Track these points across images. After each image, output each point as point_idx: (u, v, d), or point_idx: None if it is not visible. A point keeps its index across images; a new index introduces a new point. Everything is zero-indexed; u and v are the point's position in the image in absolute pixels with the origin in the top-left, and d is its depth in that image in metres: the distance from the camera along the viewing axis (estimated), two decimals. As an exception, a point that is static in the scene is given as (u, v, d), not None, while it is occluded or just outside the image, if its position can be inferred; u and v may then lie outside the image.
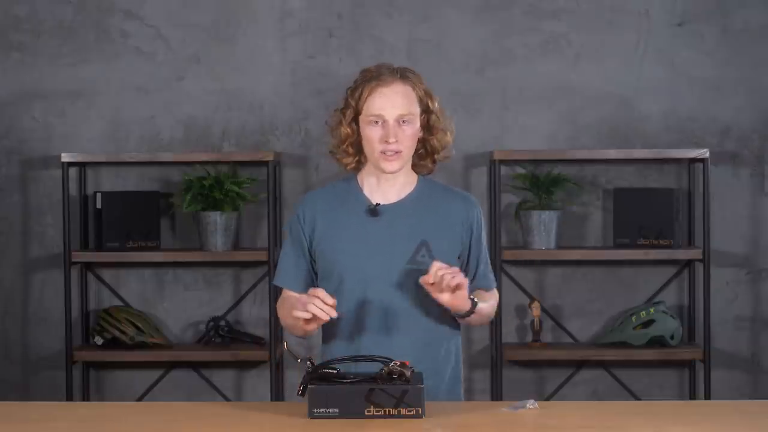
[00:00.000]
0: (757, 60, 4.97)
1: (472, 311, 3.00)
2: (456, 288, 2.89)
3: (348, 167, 3.13)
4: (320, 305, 2.85)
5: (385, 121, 3.01)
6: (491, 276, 3.18)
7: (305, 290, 3.13)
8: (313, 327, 2.94)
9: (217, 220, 4.82)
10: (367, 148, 3.05)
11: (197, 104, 5.01)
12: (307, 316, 2.86)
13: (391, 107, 3.01)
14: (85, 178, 5.00)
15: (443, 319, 3.07)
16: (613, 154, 4.85)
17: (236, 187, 4.85)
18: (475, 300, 3.01)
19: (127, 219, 4.84)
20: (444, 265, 2.89)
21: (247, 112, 5.01)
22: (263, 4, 5.00)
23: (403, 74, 3.05)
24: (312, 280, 3.14)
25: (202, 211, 4.84)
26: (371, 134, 3.02)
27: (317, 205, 3.12)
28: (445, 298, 2.91)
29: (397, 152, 3.02)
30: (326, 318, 2.86)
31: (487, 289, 3.16)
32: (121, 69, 5.00)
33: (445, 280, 2.87)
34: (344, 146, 3.09)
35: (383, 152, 3.02)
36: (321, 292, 2.86)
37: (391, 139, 3.00)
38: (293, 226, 3.13)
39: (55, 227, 4.98)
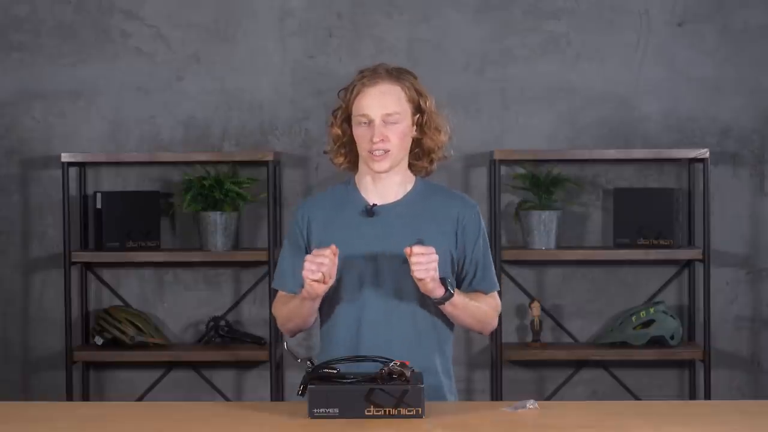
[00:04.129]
0: (757, 60, 4.97)
1: (444, 299, 2.98)
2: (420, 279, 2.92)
3: (340, 167, 3.15)
4: (329, 263, 2.89)
5: (371, 121, 3.02)
6: (491, 279, 3.16)
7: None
8: (312, 303, 3.00)
9: (217, 220, 4.82)
10: (359, 149, 3.07)
11: (197, 104, 5.01)
12: (318, 276, 2.89)
13: (377, 106, 3.02)
14: (85, 178, 5.00)
15: (436, 317, 3.08)
16: (613, 154, 4.85)
17: (236, 187, 4.86)
18: (451, 290, 2.98)
19: (127, 219, 4.84)
20: (423, 252, 2.90)
21: (247, 112, 5.01)
22: (263, 4, 5.00)
23: (392, 74, 3.06)
24: None
25: (202, 211, 4.84)
26: (359, 134, 3.04)
27: (316, 209, 3.13)
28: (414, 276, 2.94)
29: (385, 151, 3.02)
30: (329, 280, 2.91)
31: (486, 291, 3.15)
32: (121, 69, 5.00)
33: (414, 267, 2.90)
34: (336, 146, 3.12)
35: (371, 152, 3.02)
36: (325, 250, 2.90)
37: (376, 139, 3.01)
38: (292, 230, 3.15)
39: (55, 227, 4.98)
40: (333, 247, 2.91)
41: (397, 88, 3.04)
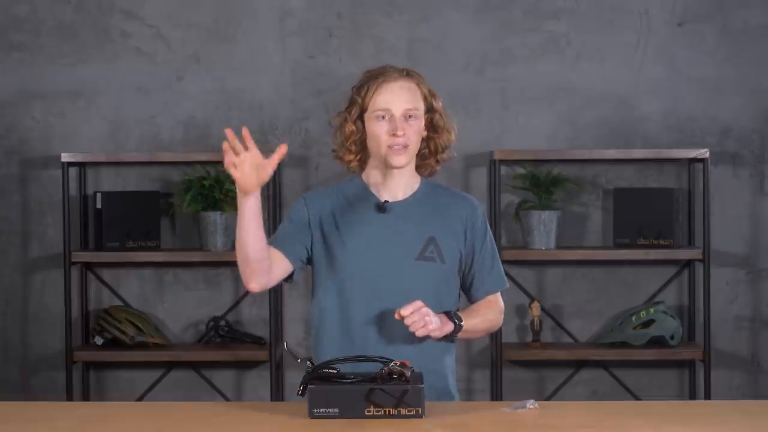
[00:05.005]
0: (757, 60, 4.97)
1: (456, 332, 3.04)
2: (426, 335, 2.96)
3: (350, 165, 3.13)
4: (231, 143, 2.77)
5: (392, 116, 3.03)
6: (500, 275, 3.19)
7: (294, 258, 3.07)
8: (245, 209, 2.85)
9: (217, 220, 4.82)
10: (373, 145, 3.06)
11: (197, 104, 5.01)
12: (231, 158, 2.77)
13: (398, 101, 3.03)
14: (85, 178, 5.00)
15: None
16: (613, 154, 4.85)
17: (236, 187, 4.84)
18: (460, 323, 3.03)
19: (127, 219, 4.84)
20: (412, 310, 2.91)
21: (247, 112, 5.01)
22: (263, 4, 5.00)
23: (408, 72, 3.09)
24: (304, 255, 3.08)
25: (202, 211, 4.84)
26: (378, 129, 3.04)
27: (324, 203, 3.12)
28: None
29: (404, 146, 3.04)
30: (239, 149, 2.77)
31: (495, 289, 3.18)
32: (121, 69, 5.00)
33: (411, 328, 2.92)
34: (348, 144, 3.10)
35: (390, 146, 3.03)
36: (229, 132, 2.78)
37: (399, 132, 3.02)
38: (297, 209, 3.11)
39: (55, 227, 4.98)
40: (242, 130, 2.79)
41: (414, 85, 3.07)
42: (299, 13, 4.99)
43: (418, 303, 2.93)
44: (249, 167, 2.81)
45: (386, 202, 3.10)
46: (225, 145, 2.78)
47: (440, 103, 3.12)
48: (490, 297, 3.18)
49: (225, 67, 5.01)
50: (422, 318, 2.92)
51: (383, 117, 3.03)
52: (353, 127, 3.08)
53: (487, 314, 3.16)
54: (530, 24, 4.99)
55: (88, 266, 5.02)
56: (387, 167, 3.08)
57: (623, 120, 4.99)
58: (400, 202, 3.11)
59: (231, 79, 5.00)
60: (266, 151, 4.91)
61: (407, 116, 3.03)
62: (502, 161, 4.87)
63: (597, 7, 4.98)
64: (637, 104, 4.99)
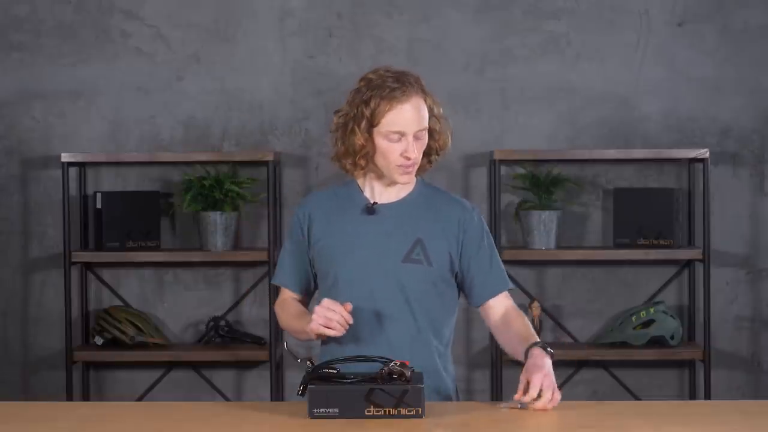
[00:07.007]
0: (757, 60, 4.97)
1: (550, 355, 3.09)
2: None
3: (352, 175, 3.12)
4: (340, 320, 2.89)
5: (405, 137, 3.00)
6: (503, 277, 3.15)
7: (303, 291, 3.18)
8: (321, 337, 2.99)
9: (217, 220, 4.82)
10: (381, 160, 3.04)
11: (197, 104, 5.01)
12: (334, 333, 2.89)
13: (412, 123, 3.00)
14: (85, 178, 5.00)
15: (435, 316, 3.09)
16: (613, 154, 4.85)
17: (236, 187, 4.86)
18: (549, 350, 3.08)
19: (127, 219, 4.84)
20: (545, 388, 2.99)
21: (247, 112, 5.01)
22: (263, 4, 5.00)
23: (414, 85, 3.02)
24: (310, 281, 3.17)
25: (202, 211, 4.84)
26: (389, 148, 3.01)
27: (316, 206, 3.14)
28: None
29: (413, 165, 3.04)
30: (342, 333, 2.91)
31: (500, 290, 3.14)
32: (121, 69, 5.00)
33: (545, 400, 2.97)
34: (358, 158, 3.05)
35: (400, 165, 3.02)
36: (338, 306, 2.89)
37: (412, 155, 3.00)
38: (293, 227, 3.16)
39: (55, 227, 4.98)
40: (348, 304, 2.91)
41: (421, 100, 3.02)
42: (299, 13, 5.00)
43: (544, 380, 3.01)
44: None
45: (374, 203, 3.10)
46: (340, 320, 2.90)
47: (440, 109, 3.09)
48: (508, 304, 3.14)
49: (225, 67, 5.01)
50: (554, 389, 2.97)
51: (396, 138, 3.01)
52: (362, 141, 3.03)
53: (525, 320, 3.16)
54: (530, 24, 4.99)
55: (88, 266, 5.02)
56: (389, 179, 3.08)
57: (623, 120, 4.99)
58: (390, 203, 3.10)
59: (231, 79, 5.00)
60: (267, 150, 4.93)
61: (417, 136, 3.02)
62: (502, 161, 4.87)
63: (597, 7, 4.98)
64: (637, 104, 4.99)
